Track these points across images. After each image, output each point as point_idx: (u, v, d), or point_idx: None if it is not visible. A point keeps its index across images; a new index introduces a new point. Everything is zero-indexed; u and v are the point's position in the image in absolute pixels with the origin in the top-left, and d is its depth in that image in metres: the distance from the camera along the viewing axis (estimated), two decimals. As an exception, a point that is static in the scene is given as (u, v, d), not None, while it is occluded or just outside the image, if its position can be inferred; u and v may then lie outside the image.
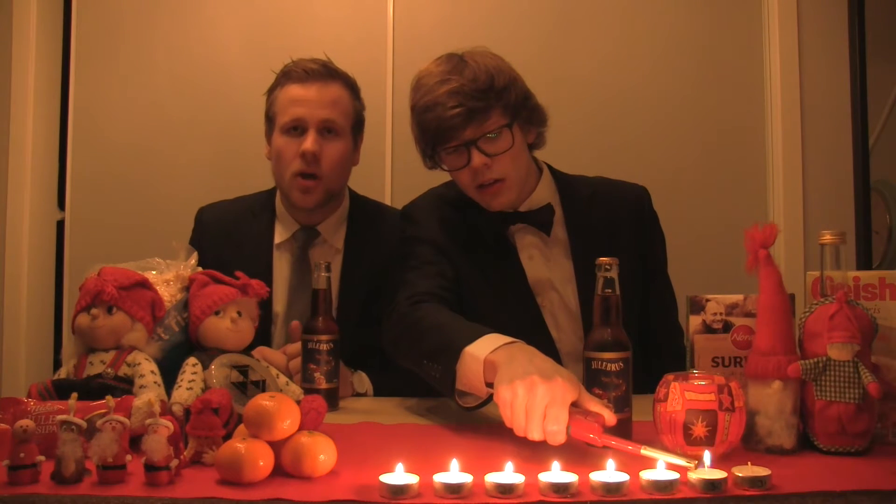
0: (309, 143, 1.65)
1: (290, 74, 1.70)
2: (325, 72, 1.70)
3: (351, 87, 1.75)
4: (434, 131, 1.49)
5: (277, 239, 1.77)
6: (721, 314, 1.20)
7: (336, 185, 1.74)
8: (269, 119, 1.74)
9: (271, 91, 1.74)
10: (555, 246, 1.60)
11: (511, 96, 1.50)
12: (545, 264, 1.59)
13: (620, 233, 1.62)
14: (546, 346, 1.56)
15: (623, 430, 1.08)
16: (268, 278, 1.71)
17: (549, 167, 1.71)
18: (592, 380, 1.11)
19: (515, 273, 1.58)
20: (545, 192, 1.63)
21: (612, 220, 1.63)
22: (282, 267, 1.76)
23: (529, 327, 1.54)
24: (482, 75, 1.47)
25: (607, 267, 1.13)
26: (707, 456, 0.92)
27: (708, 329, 1.20)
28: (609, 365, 1.10)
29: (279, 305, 1.72)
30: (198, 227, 1.85)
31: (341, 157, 1.71)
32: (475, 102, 1.45)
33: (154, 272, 1.32)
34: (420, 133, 1.54)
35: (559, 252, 1.60)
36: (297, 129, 1.68)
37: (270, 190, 1.85)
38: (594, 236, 1.60)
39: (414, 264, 1.57)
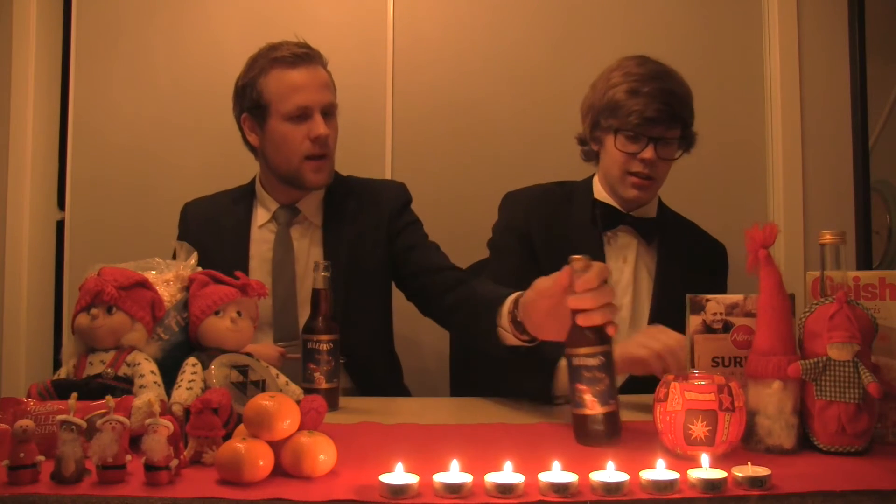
0: (321, 127, 1.72)
1: (279, 60, 1.72)
2: (310, 54, 1.75)
3: (325, 65, 1.80)
4: (626, 113, 1.63)
5: (259, 221, 1.84)
6: (721, 314, 1.20)
7: (334, 160, 1.81)
8: (260, 107, 1.74)
9: (253, 78, 1.74)
10: (646, 258, 1.76)
11: (691, 121, 1.71)
12: (634, 269, 1.74)
13: (695, 276, 1.72)
14: None
15: (611, 423, 1.10)
16: (245, 261, 1.79)
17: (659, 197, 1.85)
18: (575, 376, 1.11)
19: None
20: (653, 209, 1.81)
21: (693, 262, 1.77)
22: (262, 248, 1.81)
23: None
24: (686, 91, 1.68)
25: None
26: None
27: (708, 329, 1.20)
28: (589, 360, 1.10)
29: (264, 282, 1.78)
30: (182, 222, 1.91)
31: (337, 134, 1.80)
32: (678, 110, 1.64)
33: (154, 272, 1.32)
34: (610, 107, 1.67)
35: (646, 264, 1.75)
36: (301, 115, 1.72)
37: (251, 181, 1.91)
38: (677, 266, 1.75)
39: (493, 255, 1.78)
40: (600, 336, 1.12)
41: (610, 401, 1.10)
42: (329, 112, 1.76)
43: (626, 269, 1.74)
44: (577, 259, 1.14)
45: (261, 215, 1.84)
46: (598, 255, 1.72)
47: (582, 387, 1.10)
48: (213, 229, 1.83)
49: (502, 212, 1.83)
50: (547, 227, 1.75)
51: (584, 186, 1.82)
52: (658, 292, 1.73)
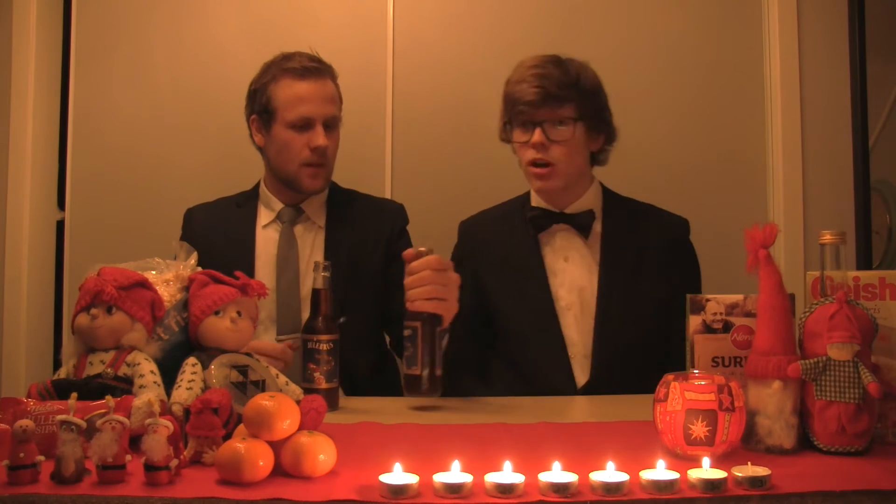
0: (321, 139, 1.79)
1: (289, 70, 1.81)
2: (321, 68, 1.83)
3: (335, 79, 1.88)
4: (513, 103, 1.69)
5: (263, 221, 1.90)
6: (721, 314, 1.20)
7: (333, 168, 1.88)
8: (268, 112, 1.83)
9: (265, 83, 1.83)
10: (589, 252, 1.76)
11: (589, 101, 1.71)
12: (578, 266, 1.75)
13: (649, 257, 1.75)
14: (555, 339, 1.72)
15: (417, 382, 1.39)
16: (251, 259, 1.85)
17: (604, 185, 1.84)
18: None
19: (540, 283, 1.74)
20: (590, 201, 1.79)
21: (644, 244, 1.76)
22: (268, 246, 1.87)
23: (545, 331, 1.73)
24: (572, 74, 1.69)
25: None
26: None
27: (708, 329, 1.20)
28: (404, 330, 1.41)
29: (267, 281, 1.80)
30: (187, 225, 1.95)
31: (337, 146, 1.87)
32: (555, 90, 1.66)
33: (154, 272, 1.32)
34: (504, 104, 1.74)
35: (592, 258, 1.75)
36: (303, 125, 1.79)
37: (254, 186, 1.98)
38: (624, 253, 1.75)
39: None
40: (414, 313, 1.40)
41: (412, 365, 1.40)
42: (331, 124, 1.83)
43: (570, 267, 1.75)
44: (418, 250, 1.43)
45: (264, 216, 1.90)
46: (537, 260, 1.75)
47: (402, 350, 1.41)
48: (219, 231, 1.88)
49: (455, 246, 1.89)
50: (489, 250, 1.81)
51: (523, 197, 1.86)
52: (603, 284, 1.72)
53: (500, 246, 1.81)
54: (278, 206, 1.89)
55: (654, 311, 1.71)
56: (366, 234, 1.88)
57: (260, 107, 1.84)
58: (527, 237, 1.78)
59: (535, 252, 1.77)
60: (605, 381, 1.67)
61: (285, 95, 1.80)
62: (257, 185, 1.96)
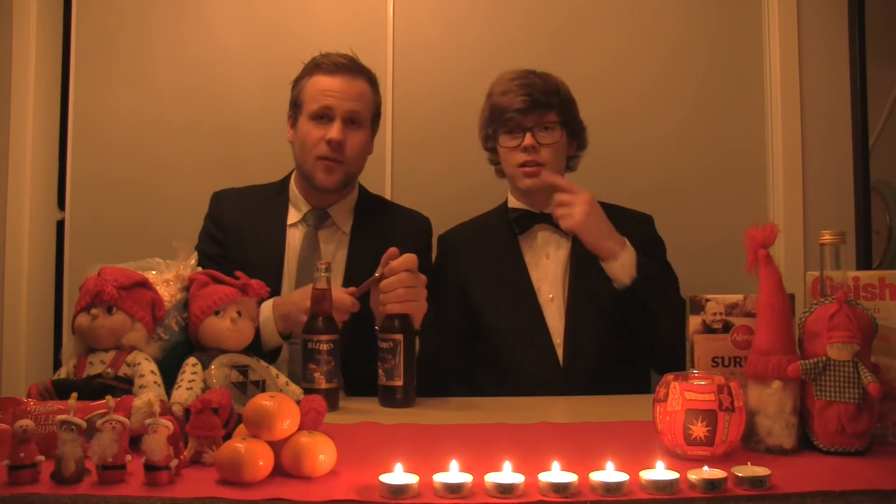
0: (335, 131, 1.79)
1: (320, 66, 1.84)
2: (353, 66, 1.85)
3: (373, 82, 1.90)
4: (501, 112, 1.83)
5: (290, 220, 1.91)
6: (721, 314, 1.20)
7: (355, 169, 1.88)
8: (297, 105, 1.87)
9: (299, 79, 1.88)
10: (568, 247, 1.87)
11: (568, 109, 1.87)
12: (559, 261, 1.86)
13: None
14: (540, 329, 1.82)
15: (394, 393, 1.44)
16: (281, 257, 1.85)
17: None
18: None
19: (522, 279, 1.85)
20: None
21: None
22: (293, 245, 1.88)
23: (530, 321, 1.83)
24: (552, 84, 1.85)
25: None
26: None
27: (708, 329, 1.20)
28: (381, 343, 1.45)
29: (289, 280, 1.84)
30: (215, 207, 1.94)
31: (361, 146, 1.86)
32: (541, 97, 1.81)
33: (154, 272, 1.32)
34: (490, 114, 1.88)
35: (576, 253, 1.85)
36: (324, 117, 1.81)
37: (283, 179, 1.97)
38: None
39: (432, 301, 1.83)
40: (393, 325, 1.44)
41: (394, 377, 1.43)
42: (354, 120, 1.83)
43: (551, 264, 1.87)
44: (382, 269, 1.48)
45: (291, 215, 1.91)
46: (518, 258, 1.87)
47: (378, 362, 1.45)
48: (250, 221, 1.89)
49: (436, 259, 1.97)
50: (472, 256, 1.91)
51: (500, 206, 1.98)
52: (573, 277, 1.84)
53: (482, 250, 1.91)
54: (305, 207, 1.89)
55: (626, 297, 1.80)
56: (390, 245, 1.85)
57: (292, 101, 1.88)
58: (507, 240, 1.89)
59: (515, 252, 1.88)
60: (581, 361, 1.76)
61: (312, 88, 1.83)
62: (287, 179, 1.95)
